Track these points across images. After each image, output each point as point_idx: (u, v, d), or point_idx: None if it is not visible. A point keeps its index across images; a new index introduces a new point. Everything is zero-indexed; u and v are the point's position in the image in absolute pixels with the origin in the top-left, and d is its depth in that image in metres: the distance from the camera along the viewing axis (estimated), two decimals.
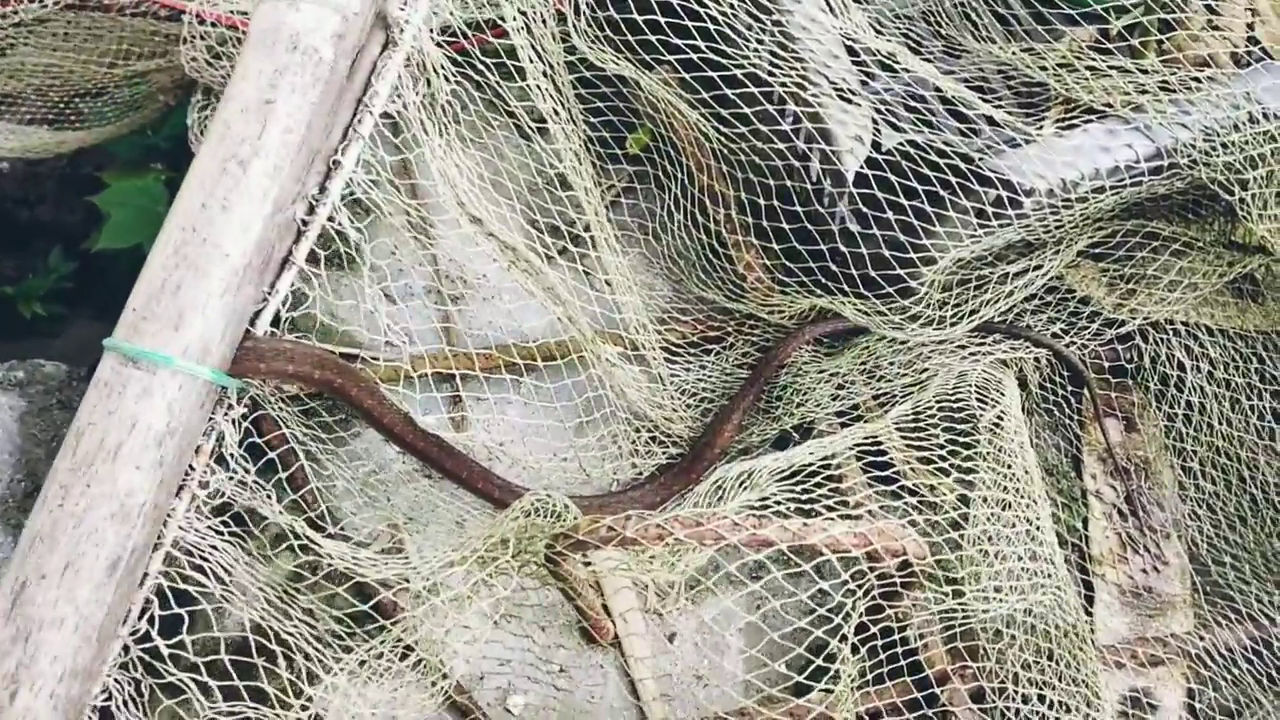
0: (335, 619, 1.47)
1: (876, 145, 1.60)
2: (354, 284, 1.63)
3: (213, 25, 1.90)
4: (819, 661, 1.47)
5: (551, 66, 1.67)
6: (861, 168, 1.58)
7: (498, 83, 1.58)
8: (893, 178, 1.55)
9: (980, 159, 1.53)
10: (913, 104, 1.58)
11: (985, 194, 1.52)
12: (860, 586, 1.43)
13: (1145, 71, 1.60)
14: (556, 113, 1.69)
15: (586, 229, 1.90)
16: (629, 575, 1.70)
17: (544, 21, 1.67)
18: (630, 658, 1.70)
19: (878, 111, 1.57)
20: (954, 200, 1.54)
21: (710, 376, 1.93)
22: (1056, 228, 1.66)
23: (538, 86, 1.63)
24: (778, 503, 1.43)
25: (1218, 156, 1.55)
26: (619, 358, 1.84)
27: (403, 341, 1.77)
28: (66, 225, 3.58)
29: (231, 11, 1.91)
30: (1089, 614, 1.79)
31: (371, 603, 1.45)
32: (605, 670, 1.70)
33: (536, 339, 1.94)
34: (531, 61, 1.58)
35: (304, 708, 1.38)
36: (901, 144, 1.56)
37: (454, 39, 1.78)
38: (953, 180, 1.53)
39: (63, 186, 3.62)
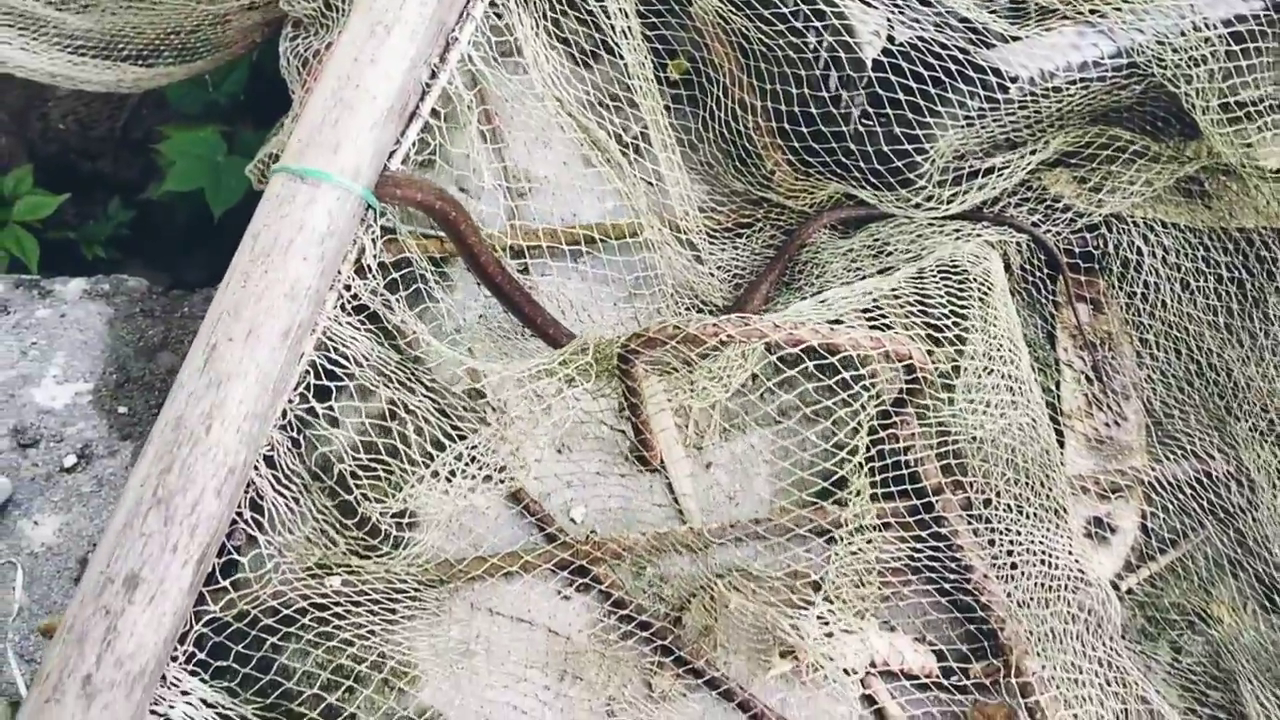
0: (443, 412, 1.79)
1: (891, 39, 1.95)
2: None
3: None
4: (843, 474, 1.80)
5: None
6: (879, 57, 1.93)
7: None
8: (904, 65, 1.89)
9: (974, 51, 1.88)
10: (924, 7, 1.93)
11: (979, 80, 1.87)
12: (874, 389, 1.76)
13: None
14: (628, 29, 2.03)
15: (642, 133, 2.24)
16: (671, 404, 2.03)
17: None
18: (671, 473, 2.02)
19: (893, 12, 1.93)
20: (953, 85, 1.89)
21: (742, 256, 2.27)
22: (1036, 122, 2.01)
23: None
24: (810, 318, 1.76)
25: (1169, 56, 1.90)
26: (670, 238, 2.17)
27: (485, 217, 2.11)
28: (124, 178, 3.86)
29: None
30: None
31: (481, 400, 1.77)
32: (653, 488, 2.02)
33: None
34: None
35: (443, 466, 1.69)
36: (911, 39, 1.91)
37: None
38: (952, 68, 1.88)
39: (118, 146, 3.89)
